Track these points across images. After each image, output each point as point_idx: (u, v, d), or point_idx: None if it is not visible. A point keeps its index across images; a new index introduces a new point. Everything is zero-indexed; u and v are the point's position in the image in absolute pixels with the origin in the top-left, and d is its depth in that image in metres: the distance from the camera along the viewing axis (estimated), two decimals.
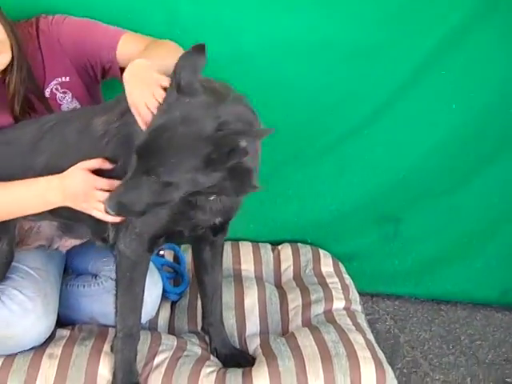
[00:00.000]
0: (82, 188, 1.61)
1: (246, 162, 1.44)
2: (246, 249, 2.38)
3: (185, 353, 1.83)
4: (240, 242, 2.42)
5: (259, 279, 2.26)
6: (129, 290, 1.72)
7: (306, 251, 2.39)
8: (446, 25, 2.11)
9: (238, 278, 2.23)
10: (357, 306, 2.14)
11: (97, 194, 1.60)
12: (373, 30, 2.11)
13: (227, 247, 2.34)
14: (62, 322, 1.90)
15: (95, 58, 1.89)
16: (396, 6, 2.08)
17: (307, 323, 2.01)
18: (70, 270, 2.08)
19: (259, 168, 1.61)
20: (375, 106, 2.27)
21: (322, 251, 2.41)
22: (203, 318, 1.95)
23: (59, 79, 1.92)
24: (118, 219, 1.61)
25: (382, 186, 2.43)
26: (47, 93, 1.93)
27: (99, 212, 1.62)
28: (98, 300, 1.92)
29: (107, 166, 1.63)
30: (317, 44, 2.14)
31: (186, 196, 1.46)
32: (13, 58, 1.79)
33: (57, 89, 1.93)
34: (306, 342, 1.84)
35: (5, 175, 1.73)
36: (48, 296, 1.82)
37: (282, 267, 2.35)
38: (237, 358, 1.88)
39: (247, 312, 2.06)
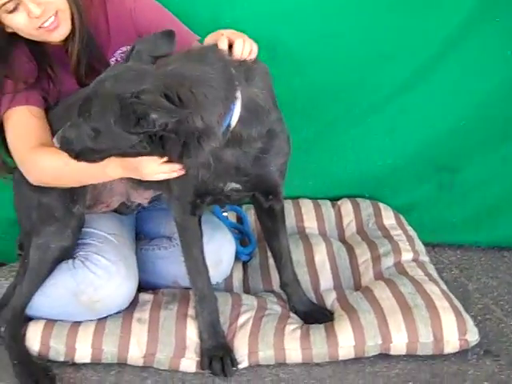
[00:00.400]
0: (138, 160, 1.59)
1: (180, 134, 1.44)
2: (306, 206, 2.40)
3: (266, 311, 1.88)
4: (300, 200, 2.44)
5: (324, 235, 2.29)
6: (188, 253, 1.81)
7: (366, 205, 2.41)
8: None
9: (303, 235, 2.26)
10: (424, 257, 2.16)
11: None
12: None
13: (288, 205, 2.36)
14: (141, 286, 1.94)
15: None
16: None
17: (379, 276, 2.05)
18: (141, 236, 2.13)
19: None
20: (429, 59, 2.26)
21: (381, 204, 2.43)
22: (279, 278, 1.98)
23: (124, 48, 1.93)
24: (182, 171, 1.59)
25: (437, 137, 2.41)
26: (112, 61, 1.94)
27: (163, 174, 1.60)
28: (175, 261, 1.95)
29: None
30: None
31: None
32: (74, 27, 1.80)
33: (122, 57, 1.93)
34: (383, 294, 1.88)
35: None
36: (128, 259, 1.88)
37: (344, 222, 2.36)
38: (316, 315, 1.92)
39: (319, 268, 2.10)
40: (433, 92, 2.31)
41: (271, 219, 1.91)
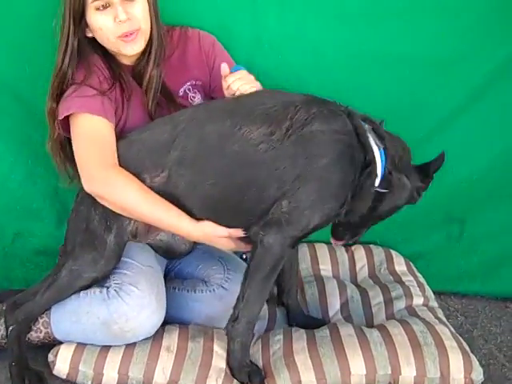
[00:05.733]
0: (210, 242, 1.89)
1: None
2: (322, 251, 2.52)
3: (273, 343, 1.99)
4: (315, 244, 2.55)
5: (337, 278, 2.42)
6: (265, 282, 1.82)
7: (378, 252, 2.53)
8: None
9: (318, 277, 2.39)
10: (433, 303, 2.27)
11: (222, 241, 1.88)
12: (446, 43, 2.27)
13: (304, 249, 2.51)
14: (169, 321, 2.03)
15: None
16: (467, 19, 2.25)
17: (391, 317, 2.15)
18: (172, 274, 2.22)
19: None
20: (449, 113, 2.41)
21: (393, 251, 2.54)
22: (281, 293, 2.15)
23: (193, 81, 2.09)
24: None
25: (448, 189, 2.51)
26: (181, 92, 2.08)
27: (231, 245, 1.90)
28: (209, 305, 2.06)
29: (240, 234, 1.85)
30: (392, 56, 2.30)
31: None
32: (150, 49, 1.95)
33: (189, 89, 2.09)
34: (396, 330, 1.98)
35: (135, 169, 1.86)
36: (160, 292, 1.95)
37: (358, 266, 2.48)
38: (313, 323, 2.08)
39: (330, 310, 2.24)
40: (449, 145, 2.38)
41: None
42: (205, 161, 1.83)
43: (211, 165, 1.82)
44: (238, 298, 1.86)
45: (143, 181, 1.86)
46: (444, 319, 2.16)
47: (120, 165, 1.87)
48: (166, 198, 1.85)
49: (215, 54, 2.08)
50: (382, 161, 1.83)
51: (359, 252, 2.53)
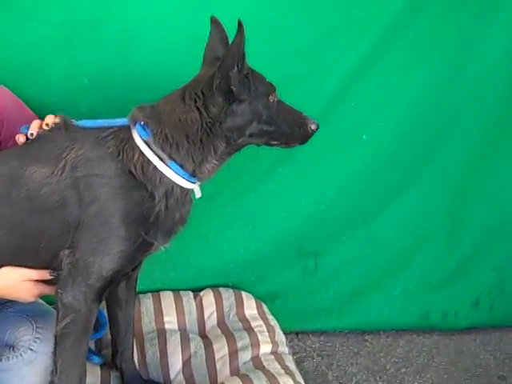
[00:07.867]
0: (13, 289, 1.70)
1: None
2: (167, 300, 2.33)
3: None
4: (161, 293, 2.37)
5: (183, 331, 2.23)
6: (76, 346, 1.64)
7: (228, 295, 2.38)
8: (350, 59, 2.20)
9: (161, 333, 2.19)
10: (283, 348, 2.15)
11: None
12: (285, 63, 2.15)
13: (148, 300, 2.30)
14: None
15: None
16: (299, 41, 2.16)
17: (235, 372, 2.01)
18: None
19: None
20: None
21: (244, 293, 2.40)
22: (114, 354, 1.97)
23: None
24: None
25: (299, 222, 2.46)
26: None
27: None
28: (17, 374, 1.79)
29: (48, 277, 1.68)
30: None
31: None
32: None
33: None
34: None
35: None
36: None
37: (206, 314, 2.32)
38: None
39: (172, 371, 2.05)
40: (292, 178, 2.37)
41: (127, 286, 1.88)
42: None
43: (2, 213, 1.65)
44: (51, 372, 1.66)
45: None
46: (292, 367, 2.03)
47: None
48: None
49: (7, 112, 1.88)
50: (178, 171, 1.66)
51: (208, 298, 2.37)
